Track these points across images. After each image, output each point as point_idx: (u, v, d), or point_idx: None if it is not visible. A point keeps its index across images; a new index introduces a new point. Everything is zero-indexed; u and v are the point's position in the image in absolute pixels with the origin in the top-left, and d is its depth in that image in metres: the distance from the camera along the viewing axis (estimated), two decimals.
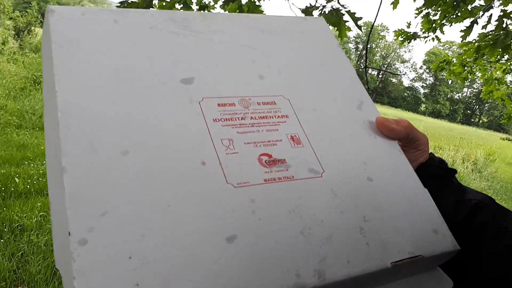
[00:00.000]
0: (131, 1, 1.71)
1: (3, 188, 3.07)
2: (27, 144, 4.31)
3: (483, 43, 2.46)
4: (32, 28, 10.82)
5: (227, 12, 1.95)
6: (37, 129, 5.08)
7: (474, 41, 2.61)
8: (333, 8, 1.78)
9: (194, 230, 0.32)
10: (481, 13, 2.24)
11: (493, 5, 2.15)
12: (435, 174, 0.49)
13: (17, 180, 3.23)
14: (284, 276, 0.32)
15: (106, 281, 0.28)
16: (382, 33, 44.00)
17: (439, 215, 0.43)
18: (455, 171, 0.50)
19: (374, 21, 2.02)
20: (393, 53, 45.55)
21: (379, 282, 0.39)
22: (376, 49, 45.11)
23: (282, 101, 0.45)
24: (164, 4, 1.88)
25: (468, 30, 2.29)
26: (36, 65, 8.07)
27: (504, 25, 2.14)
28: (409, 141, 0.48)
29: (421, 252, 0.39)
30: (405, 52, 46.19)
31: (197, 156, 0.37)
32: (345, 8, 1.74)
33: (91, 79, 0.38)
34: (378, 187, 0.42)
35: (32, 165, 3.75)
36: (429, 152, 0.51)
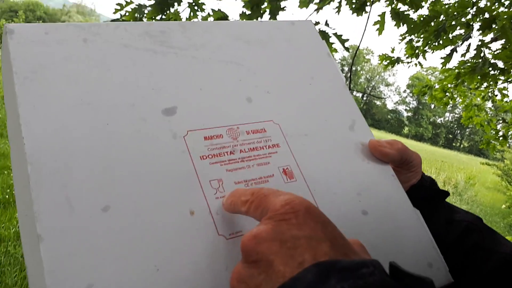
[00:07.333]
0: (123, 19, 1.71)
1: None
2: (8, 153, 4.22)
3: (462, 70, 2.57)
4: None
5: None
6: None
7: (454, 67, 2.72)
8: (320, 30, 1.83)
9: None
10: (460, 42, 2.34)
11: (471, 35, 2.26)
12: (427, 196, 0.48)
13: None
14: None
15: None
16: (367, 57, 45.05)
17: (433, 247, 0.42)
18: (447, 193, 0.49)
19: (359, 45, 2.09)
20: (377, 76, 46.58)
21: None
22: (361, 72, 46.08)
23: (272, 127, 0.42)
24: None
25: (448, 58, 2.40)
26: None
27: (482, 54, 2.25)
28: (403, 163, 0.47)
29: None
30: (389, 75, 47.33)
31: (185, 205, 0.33)
32: (332, 29, 1.78)
33: (61, 119, 0.33)
34: (373, 222, 0.40)
35: (12, 175, 3.67)
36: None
